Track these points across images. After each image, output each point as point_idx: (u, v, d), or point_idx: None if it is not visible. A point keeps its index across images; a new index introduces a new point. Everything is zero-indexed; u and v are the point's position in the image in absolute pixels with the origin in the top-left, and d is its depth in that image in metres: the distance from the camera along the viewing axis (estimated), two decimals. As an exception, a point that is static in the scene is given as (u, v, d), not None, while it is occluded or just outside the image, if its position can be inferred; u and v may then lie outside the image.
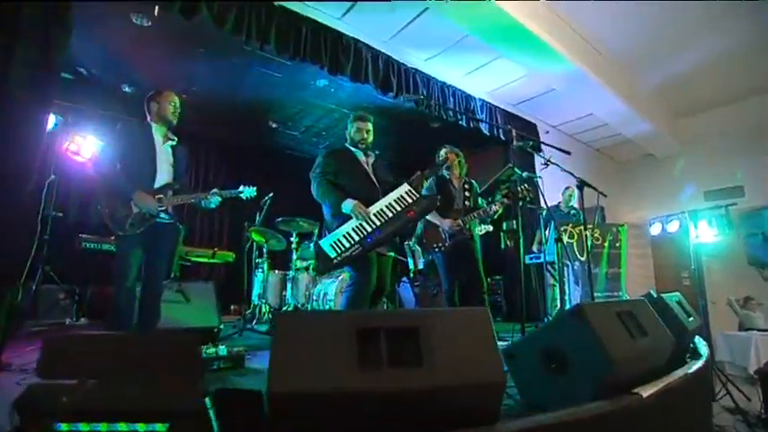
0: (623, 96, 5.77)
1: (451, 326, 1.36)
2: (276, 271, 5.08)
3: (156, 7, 3.78)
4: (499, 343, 1.37)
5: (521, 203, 3.83)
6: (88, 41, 4.63)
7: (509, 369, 1.85)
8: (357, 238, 2.62)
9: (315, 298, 4.77)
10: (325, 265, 2.61)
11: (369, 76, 4.57)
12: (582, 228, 4.60)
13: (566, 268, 4.57)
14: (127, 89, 5.54)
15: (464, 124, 5.52)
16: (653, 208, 7.43)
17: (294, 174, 6.95)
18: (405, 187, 2.86)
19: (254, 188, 3.19)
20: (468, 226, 3.92)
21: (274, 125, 6.54)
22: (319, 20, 4.29)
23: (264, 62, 4.93)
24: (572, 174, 3.17)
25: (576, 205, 5.49)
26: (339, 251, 2.59)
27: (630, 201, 7.86)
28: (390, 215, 2.72)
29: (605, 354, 1.53)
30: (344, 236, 2.64)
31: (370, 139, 3.03)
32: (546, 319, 4.75)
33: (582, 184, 3.15)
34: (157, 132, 2.81)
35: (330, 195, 2.76)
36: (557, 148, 3.22)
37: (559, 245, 4.29)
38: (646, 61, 5.53)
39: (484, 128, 5.69)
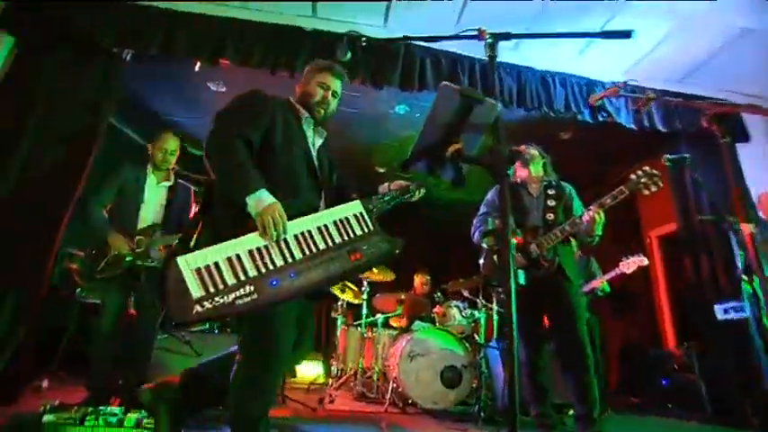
0: None
1: None
2: (358, 328, 4.30)
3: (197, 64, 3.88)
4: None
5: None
6: (194, 117, 5.26)
7: None
8: (252, 273, 1.44)
9: (387, 364, 3.76)
10: (178, 311, 1.33)
11: (427, 80, 3.71)
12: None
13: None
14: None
15: (588, 119, 3.91)
16: None
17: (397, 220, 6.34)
18: (355, 207, 1.75)
19: None
20: (549, 253, 2.51)
21: (381, 170, 6.11)
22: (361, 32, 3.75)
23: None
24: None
25: None
26: (211, 288, 1.37)
27: None
28: (322, 247, 1.59)
29: None
30: (229, 260, 1.44)
31: (332, 107, 1.91)
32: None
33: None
34: (153, 174, 2.83)
35: (234, 166, 1.53)
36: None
37: (758, 280, 2.32)
38: None
39: (624, 119, 3.90)
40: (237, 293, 1.40)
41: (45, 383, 2.98)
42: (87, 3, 3.17)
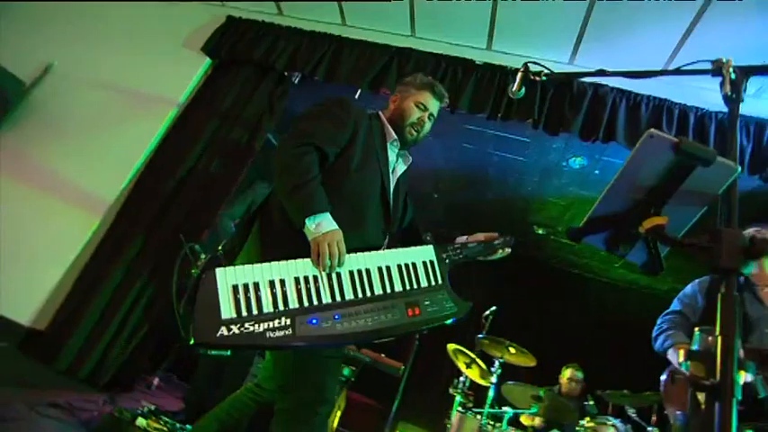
0: None
1: None
2: (477, 416, 3.48)
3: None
4: None
5: None
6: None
7: None
8: (293, 305, 1.23)
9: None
10: (202, 329, 1.13)
11: (617, 130, 2.95)
12: None
13: None
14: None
15: None
16: None
17: (563, 294, 5.48)
18: (426, 253, 1.52)
19: None
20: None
21: (541, 231, 5.29)
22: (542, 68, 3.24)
23: (501, 144, 4.13)
24: None
25: None
26: (244, 312, 1.18)
27: None
28: (378, 292, 1.37)
29: None
30: (271, 284, 1.24)
31: (426, 130, 1.70)
32: None
33: None
34: None
35: (301, 182, 1.34)
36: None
37: None
38: None
39: None
40: (271, 324, 1.20)
41: (156, 381, 3.04)
42: (271, 29, 3.38)
